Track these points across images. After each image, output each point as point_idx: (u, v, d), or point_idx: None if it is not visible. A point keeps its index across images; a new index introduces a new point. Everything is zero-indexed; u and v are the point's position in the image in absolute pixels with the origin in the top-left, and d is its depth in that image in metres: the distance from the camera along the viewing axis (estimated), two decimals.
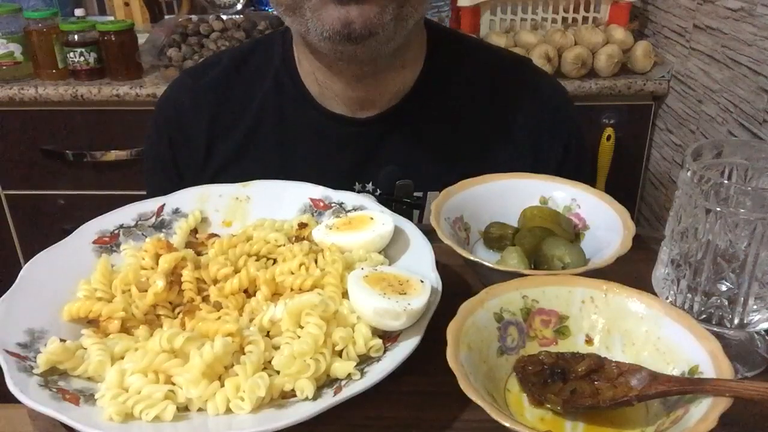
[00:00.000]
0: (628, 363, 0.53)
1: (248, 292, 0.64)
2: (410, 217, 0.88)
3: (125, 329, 0.60)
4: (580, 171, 0.93)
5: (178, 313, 0.62)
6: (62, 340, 0.55)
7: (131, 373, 0.53)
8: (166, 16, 1.92)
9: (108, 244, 0.70)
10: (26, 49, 1.65)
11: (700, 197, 0.54)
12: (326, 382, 0.55)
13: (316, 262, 0.65)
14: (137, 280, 0.63)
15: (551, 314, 0.58)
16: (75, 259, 0.66)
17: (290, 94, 0.89)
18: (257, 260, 0.67)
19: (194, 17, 1.81)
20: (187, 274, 0.63)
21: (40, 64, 1.64)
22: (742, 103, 1.32)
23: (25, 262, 0.64)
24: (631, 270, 0.61)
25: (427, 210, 0.90)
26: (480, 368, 0.52)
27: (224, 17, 1.76)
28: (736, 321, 0.55)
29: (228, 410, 0.52)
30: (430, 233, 0.67)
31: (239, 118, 0.91)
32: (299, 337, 0.55)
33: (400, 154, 0.89)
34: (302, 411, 0.50)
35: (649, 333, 0.54)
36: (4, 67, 1.63)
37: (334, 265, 0.63)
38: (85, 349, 0.56)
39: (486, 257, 0.70)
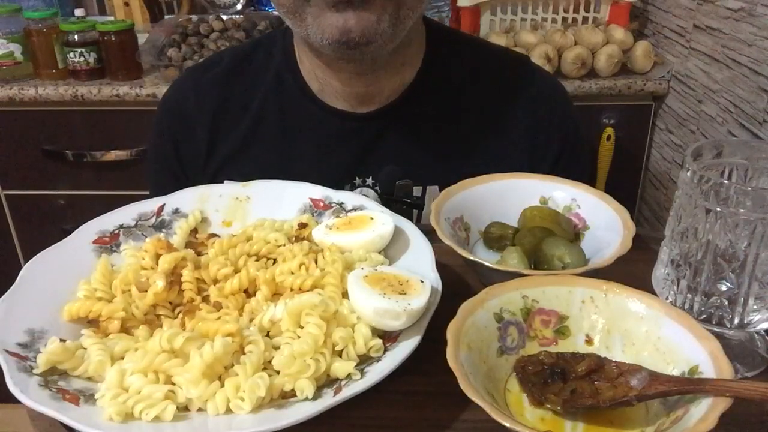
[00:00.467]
0: (628, 363, 0.53)
1: (248, 292, 0.64)
2: (410, 217, 0.88)
3: (125, 329, 0.60)
4: (578, 165, 0.93)
5: (178, 313, 0.62)
6: (62, 340, 0.55)
7: (131, 373, 0.53)
8: (166, 16, 1.92)
9: (108, 244, 0.70)
10: (26, 49, 1.64)
11: (700, 197, 0.54)
12: (326, 382, 0.55)
13: (316, 262, 0.65)
14: (137, 280, 0.63)
15: (551, 314, 0.58)
16: (75, 259, 0.66)
17: (291, 89, 0.90)
18: (257, 260, 0.67)
19: (194, 17, 1.81)
20: (187, 274, 0.63)
21: (40, 64, 1.64)
22: (742, 103, 1.32)
23: (25, 262, 0.64)
24: (631, 270, 0.61)
25: (426, 207, 0.91)
26: (480, 368, 0.52)
27: (224, 17, 1.76)
28: (736, 321, 0.55)
29: (228, 410, 0.52)
30: (430, 233, 0.67)
31: (241, 115, 0.92)
32: (299, 337, 0.55)
33: (400, 149, 0.90)
34: (302, 411, 0.50)
35: (649, 333, 0.54)
36: (4, 67, 1.63)
37: (334, 265, 0.63)
38: (85, 349, 0.56)
39: (486, 257, 0.70)
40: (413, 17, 0.77)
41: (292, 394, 0.53)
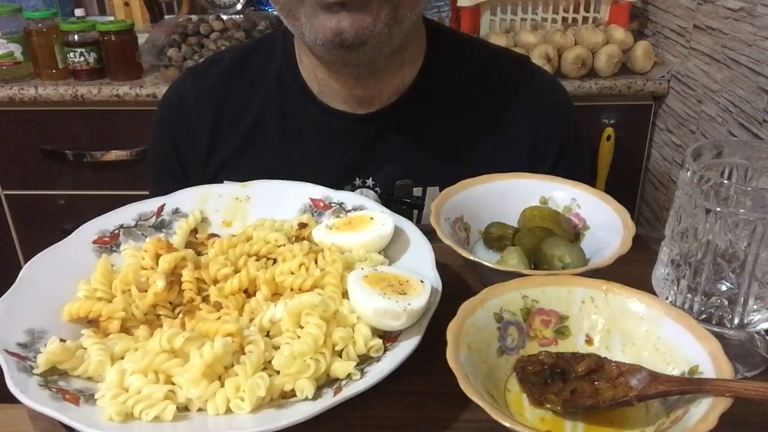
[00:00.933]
0: (628, 363, 0.53)
1: (248, 292, 0.64)
2: (410, 217, 0.88)
3: (125, 329, 0.60)
4: (578, 166, 0.93)
5: (178, 313, 0.62)
6: (62, 340, 0.55)
7: (131, 373, 0.53)
8: (166, 16, 1.92)
9: (108, 244, 0.70)
10: (26, 49, 1.64)
11: (700, 197, 0.54)
12: (326, 382, 0.55)
13: (316, 262, 0.65)
14: (137, 280, 0.63)
15: (551, 314, 0.58)
16: (75, 259, 0.66)
17: (291, 90, 0.90)
18: (257, 260, 0.67)
19: (194, 17, 1.81)
20: (187, 274, 0.63)
21: (40, 64, 1.64)
22: (742, 103, 1.32)
23: (25, 262, 0.64)
24: (631, 270, 0.61)
25: (426, 208, 0.90)
26: (480, 368, 0.52)
27: (224, 17, 1.76)
28: (736, 321, 0.55)
29: (228, 410, 0.52)
30: (430, 233, 0.67)
31: (242, 115, 0.92)
32: (299, 337, 0.55)
33: (400, 150, 0.89)
34: (302, 411, 0.50)
35: (649, 333, 0.54)
36: (4, 67, 1.63)
37: (334, 265, 0.63)
38: (85, 349, 0.56)
39: (486, 257, 0.70)
40: (411, 18, 0.77)
41: (292, 394, 0.53)
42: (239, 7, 1.93)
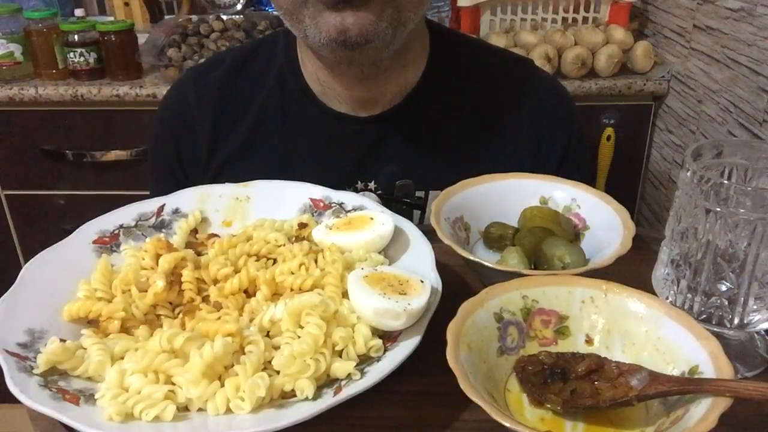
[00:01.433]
0: (628, 363, 0.53)
1: (248, 292, 0.64)
2: (410, 217, 0.88)
3: (125, 329, 0.60)
4: (579, 170, 0.93)
5: (178, 313, 0.62)
6: (62, 340, 0.55)
7: (131, 373, 0.53)
8: (166, 16, 1.92)
9: (108, 244, 0.70)
10: (26, 49, 1.64)
11: (700, 197, 0.54)
12: (326, 382, 0.55)
13: (316, 262, 0.65)
14: (137, 280, 0.63)
15: (551, 314, 0.58)
16: (75, 259, 0.66)
17: (293, 92, 0.90)
18: (257, 260, 0.67)
19: (194, 17, 1.81)
20: (187, 274, 0.63)
21: (40, 64, 1.64)
22: (742, 103, 1.32)
23: (25, 262, 0.64)
24: (631, 270, 0.61)
25: (428, 210, 0.90)
26: (480, 368, 0.52)
27: (224, 17, 1.76)
28: (736, 321, 0.55)
29: (228, 410, 0.52)
30: (430, 233, 0.67)
31: (243, 116, 0.91)
32: (299, 337, 0.55)
33: (402, 153, 0.89)
34: (302, 411, 0.50)
35: (649, 333, 0.54)
36: (4, 67, 1.63)
37: (334, 265, 0.63)
38: (85, 349, 0.56)
39: (486, 257, 0.70)
40: (414, 20, 0.77)
41: (292, 394, 0.53)
42: (239, 7, 1.93)
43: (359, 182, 0.90)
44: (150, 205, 0.74)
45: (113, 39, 1.62)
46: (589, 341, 0.57)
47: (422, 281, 0.59)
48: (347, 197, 0.75)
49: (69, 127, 1.65)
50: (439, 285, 0.61)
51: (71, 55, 1.61)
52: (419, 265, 0.64)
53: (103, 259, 0.66)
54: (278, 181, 0.77)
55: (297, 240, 0.69)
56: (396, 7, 0.73)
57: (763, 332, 0.60)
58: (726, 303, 0.55)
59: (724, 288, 0.55)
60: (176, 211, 0.74)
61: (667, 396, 0.50)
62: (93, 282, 0.63)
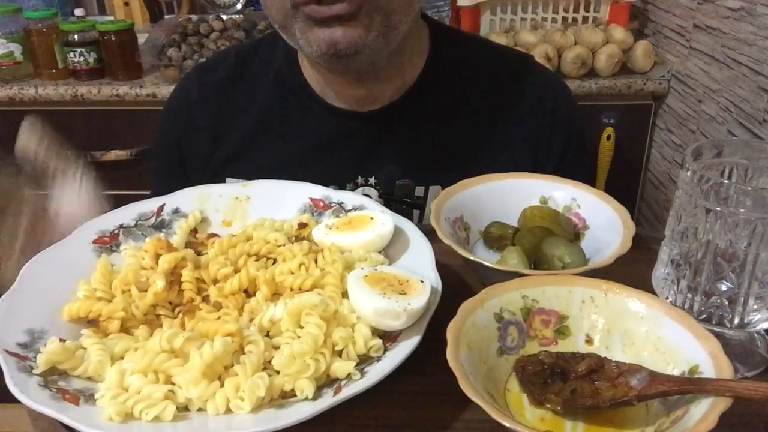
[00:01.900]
0: (628, 363, 0.53)
1: (248, 292, 0.64)
2: (410, 217, 0.88)
3: (125, 329, 0.60)
4: (579, 165, 0.93)
5: (178, 313, 0.62)
6: (62, 340, 0.55)
7: (131, 373, 0.53)
8: (166, 16, 1.92)
9: (108, 244, 0.70)
10: (26, 49, 1.64)
11: (700, 197, 0.54)
12: (326, 382, 0.55)
13: (316, 262, 0.65)
14: (137, 280, 0.63)
15: (551, 314, 0.58)
16: (75, 259, 0.66)
17: (293, 89, 0.91)
18: (257, 260, 0.67)
19: (194, 17, 1.81)
20: (187, 274, 0.63)
21: (40, 64, 1.64)
22: (742, 103, 1.32)
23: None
24: (631, 270, 0.61)
25: (427, 208, 0.90)
26: (480, 368, 0.52)
27: (224, 17, 1.76)
28: (736, 321, 0.55)
29: (228, 410, 0.52)
30: (430, 233, 0.67)
31: (244, 113, 0.92)
32: (299, 337, 0.55)
33: (402, 149, 0.89)
34: (302, 411, 0.50)
35: (649, 333, 0.54)
36: (4, 67, 1.63)
37: (334, 265, 0.63)
38: (85, 349, 0.56)
39: (486, 257, 0.70)
40: (406, 21, 0.77)
41: (292, 394, 0.53)
42: (239, 7, 1.93)
43: (359, 177, 0.90)
44: (150, 205, 0.74)
45: (113, 39, 1.62)
46: (589, 341, 0.57)
47: (422, 281, 0.59)
48: (347, 197, 0.75)
49: (69, 127, 1.65)
50: (439, 285, 0.61)
51: (71, 54, 1.61)
52: (419, 265, 0.64)
53: (103, 259, 0.66)
54: (278, 180, 0.77)
55: (297, 240, 0.69)
56: (384, 14, 0.74)
57: (763, 332, 0.60)
58: (726, 303, 0.55)
59: (724, 288, 0.55)
60: (176, 211, 0.74)
61: (667, 396, 0.50)
62: (93, 282, 0.63)
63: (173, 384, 0.53)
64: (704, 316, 0.56)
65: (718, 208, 0.53)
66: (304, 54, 0.79)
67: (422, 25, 0.90)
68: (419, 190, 0.90)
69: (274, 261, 0.67)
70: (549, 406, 0.52)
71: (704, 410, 0.46)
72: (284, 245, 0.68)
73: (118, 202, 0.74)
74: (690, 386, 0.48)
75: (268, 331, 0.59)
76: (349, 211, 0.73)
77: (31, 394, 0.50)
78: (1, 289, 0.62)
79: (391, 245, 0.69)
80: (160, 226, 0.73)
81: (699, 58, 1.50)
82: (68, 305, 0.60)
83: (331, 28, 0.72)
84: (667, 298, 0.58)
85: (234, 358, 0.55)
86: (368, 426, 0.54)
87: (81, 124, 1.64)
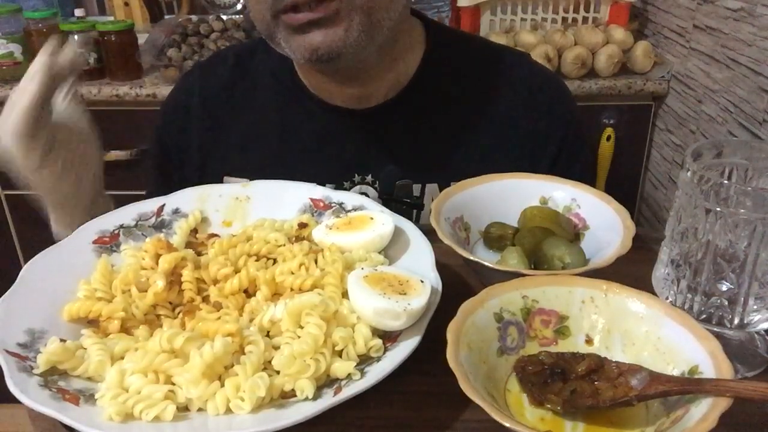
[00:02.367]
0: (628, 363, 0.53)
1: (248, 292, 0.64)
2: (410, 217, 0.88)
3: (125, 329, 0.60)
4: (577, 164, 0.93)
5: (178, 313, 0.62)
6: (62, 340, 0.55)
7: (131, 373, 0.53)
8: (166, 16, 1.92)
9: (108, 244, 0.70)
10: (26, 49, 1.64)
11: (700, 197, 0.54)
12: (326, 382, 0.55)
13: (316, 262, 0.65)
14: (137, 280, 0.63)
15: (551, 314, 0.58)
16: (75, 259, 0.66)
17: (289, 89, 0.91)
18: (257, 260, 0.67)
19: (194, 17, 1.81)
20: (187, 274, 0.63)
21: None
22: (742, 103, 1.32)
23: (25, 262, 0.64)
24: (631, 270, 0.61)
25: (426, 205, 0.91)
26: (480, 368, 0.52)
27: (224, 17, 1.76)
28: (736, 321, 0.55)
29: (228, 410, 0.52)
30: (430, 233, 0.67)
31: (243, 113, 0.93)
32: (299, 337, 0.55)
33: (399, 146, 0.90)
34: (302, 411, 0.50)
35: (649, 333, 0.54)
36: (4, 67, 1.63)
37: (334, 265, 0.63)
38: (85, 349, 0.56)
39: (486, 257, 0.70)
40: (391, 17, 0.78)
41: (292, 394, 0.53)
42: (239, 7, 1.93)
43: (357, 175, 0.90)
44: (150, 205, 0.74)
45: (113, 39, 1.62)
46: (589, 341, 0.57)
47: (422, 281, 0.59)
48: (347, 197, 0.75)
49: None
50: (439, 285, 0.61)
51: None
52: (419, 265, 0.64)
53: (103, 259, 0.66)
54: (278, 181, 0.78)
55: (297, 240, 0.69)
56: (365, 13, 0.74)
57: (763, 332, 0.60)
58: (726, 303, 0.55)
59: (724, 288, 0.55)
60: (176, 211, 0.74)
61: (667, 396, 0.50)
62: (93, 282, 0.63)
63: (173, 384, 0.53)
64: (704, 316, 0.56)
65: (718, 209, 0.53)
66: (294, 60, 0.81)
67: (415, 22, 0.90)
68: (416, 188, 0.90)
69: (274, 261, 0.67)
70: (549, 406, 0.52)
71: (704, 410, 0.46)
72: (284, 245, 0.68)
73: (118, 202, 0.74)
74: (690, 386, 0.48)
75: (268, 331, 0.59)
76: (349, 211, 0.74)
77: (31, 394, 0.50)
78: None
79: (391, 245, 0.69)
80: (160, 226, 0.73)
81: (699, 59, 1.50)
82: (68, 305, 0.60)
83: (310, 33, 0.74)
84: (667, 298, 0.58)
85: (234, 358, 0.55)
86: (368, 426, 0.54)
87: None
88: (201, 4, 1.96)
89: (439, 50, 0.91)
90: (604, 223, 0.71)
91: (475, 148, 0.90)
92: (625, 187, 1.74)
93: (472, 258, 0.63)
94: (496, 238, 0.73)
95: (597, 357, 0.54)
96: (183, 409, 0.53)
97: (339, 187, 0.88)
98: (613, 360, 0.54)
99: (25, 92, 0.68)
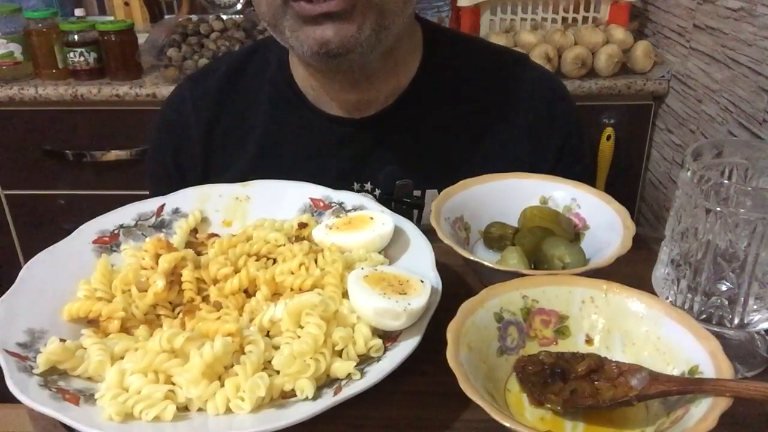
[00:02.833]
0: (628, 363, 0.53)
1: (248, 292, 0.64)
2: (410, 217, 0.88)
3: (125, 329, 0.60)
4: (579, 165, 0.93)
5: (178, 313, 0.62)
6: (62, 340, 0.55)
7: (131, 373, 0.53)
8: (166, 16, 1.92)
9: (108, 244, 0.70)
10: (26, 49, 1.64)
11: (700, 197, 0.54)
12: (326, 382, 0.55)
13: (316, 262, 0.65)
14: (137, 280, 0.63)
15: (551, 314, 0.58)
16: (75, 259, 0.66)
17: (287, 98, 0.90)
18: (257, 260, 0.67)
19: (194, 17, 1.80)
20: (187, 274, 0.63)
21: (40, 64, 1.64)
22: (742, 103, 1.32)
23: (25, 262, 0.64)
24: (631, 270, 0.61)
25: (426, 209, 0.90)
26: (480, 368, 0.52)
27: (224, 17, 1.76)
28: (736, 321, 0.55)
29: (228, 410, 0.52)
30: (430, 233, 0.67)
31: (238, 124, 0.92)
32: (299, 337, 0.55)
33: (398, 153, 0.89)
34: (302, 411, 0.50)
35: (649, 333, 0.54)
36: (4, 67, 1.63)
37: (334, 265, 0.63)
38: (85, 349, 0.56)
39: (486, 257, 0.70)
40: (400, 22, 0.77)
41: (292, 394, 0.53)
42: (239, 7, 1.93)
43: (355, 184, 0.90)
44: (150, 205, 0.74)
45: (113, 39, 1.62)
46: (589, 341, 0.57)
47: (422, 281, 0.59)
48: (347, 197, 0.75)
49: (69, 127, 1.65)
50: (439, 285, 0.61)
51: (71, 54, 1.61)
52: (419, 265, 0.64)
53: (103, 259, 0.66)
54: (278, 180, 0.78)
55: (297, 240, 0.69)
56: (378, 12, 0.73)
57: (763, 332, 0.60)
58: (726, 303, 0.55)
59: (724, 288, 0.55)
60: (176, 211, 0.74)
61: (667, 396, 0.50)
62: (93, 282, 0.63)
63: (173, 384, 0.53)
64: (704, 316, 0.56)
65: (718, 209, 0.53)
66: (295, 53, 0.77)
67: (416, 27, 0.90)
68: (416, 193, 0.90)
69: (274, 261, 0.67)
70: (549, 406, 0.52)
71: (704, 410, 0.46)
72: (284, 245, 0.68)
73: (118, 202, 0.74)
74: (690, 386, 0.48)
75: (268, 331, 0.59)
76: (349, 211, 0.74)
77: (31, 394, 0.50)
78: None
79: (391, 245, 0.69)
80: (160, 226, 0.73)
81: (699, 59, 1.50)
82: (68, 305, 0.60)
83: (322, 26, 0.71)
84: (667, 298, 0.58)
85: (234, 358, 0.55)
86: (368, 426, 0.54)
87: (81, 124, 1.64)
88: (201, 4, 1.95)
89: (436, 54, 0.90)
90: (604, 223, 0.71)
91: (475, 152, 0.90)
92: (625, 187, 1.74)
93: (472, 258, 0.63)
94: (496, 238, 0.73)
95: (597, 357, 0.54)
96: (183, 409, 0.53)
97: None
98: (613, 360, 0.54)
99: None
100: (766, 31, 1.23)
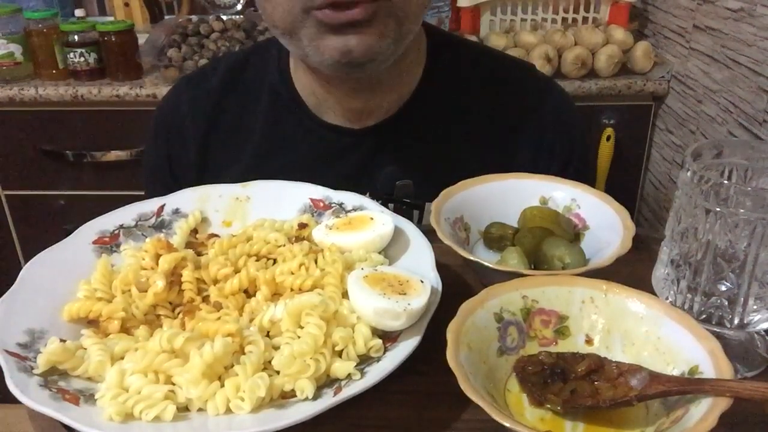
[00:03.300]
0: (628, 363, 0.53)
1: (248, 292, 0.64)
2: (410, 217, 0.88)
3: (125, 329, 0.60)
4: (582, 176, 0.92)
5: (178, 313, 0.62)
6: (62, 340, 0.55)
7: (131, 373, 0.53)
8: (166, 17, 1.92)
9: (108, 244, 0.70)
10: (26, 49, 1.65)
11: (700, 197, 0.54)
12: (326, 382, 0.55)
13: (316, 262, 0.65)
14: (137, 280, 0.63)
15: (551, 314, 0.58)
16: (75, 259, 0.66)
17: (286, 105, 0.89)
18: (257, 260, 0.67)
19: (194, 17, 1.81)
20: (187, 274, 0.63)
21: (40, 64, 1.64)
22: (742, 103, 1.32)
23: (25, 262, 0.64)
24: (631, 270, 0.61)
25: (426, 213, 0.90)
26: (480, 368, 0.52)
27: (224, 17, 1.76)
28: (736, 321, 0.55)
29: (228, 410, 0.52)
30: (430, 233, 0.67)
31: (235, 128, 0.91)
32: (299, 337, 0.55)
33: (398, 164, 0.88)
34: (302, 411, 0.50)
35: (649, 333, 0.54)
36: (4, 68, 1.63)
37: (334, 265, 0.63)
38: (85, 349, 0.56)
39: (486, 257, 0.70)
40: (414, 30, 0.77)
41: (292, 394, 0.53)
42: (239, 7, 1.93)
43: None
44: (150, 205, 0.74)
45: (113, 39, 1.62)
46: (589, 341, 0.57)
47: (422, 281, 0.59)
48: (347, 197, 0.75)
49: (69, 127, 1.65)
50: (439, 285, 0.61)
51: (71, 55, 1.62)
52: (419, 265, 0.64)
53: (103, 259, 0.66)
54: (278, 181, 0.78)
55: (297, 240, 0.69)
56: (397, 21, 0.72)
57: (763, 332, 0.60)
58: (726, 303, 0.55)
59: (724, 288, 0.55)
60: (176, 211, 0.74)
61: (667, 396, 0.50)
62: (93, 282, 0.63)
63: (173, 384, 0.53)
64: (704, 316, 0.56)
65: (718, 209, 0.53)
66: (311, 62, 0.75)
67: (421, 34, 0.88)
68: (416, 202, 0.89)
69: (274, 261, 0.67)
70: (549, 406, 0.52)
71: (704, 410, 0.46)
72: (284, 245, 0.68)
73: (118, 202, 0.74)
74: (690, 386, 0.48)
75: (268, 332, 0.59)
76: (349, 211, 0.74)
77: (31, 394, 0.50)
78: None
79: (391, 245, 0.69)
80: (160, 226, 0.73)
81: (699, 59, 1.50)
82: (68, 305, 0.60)
83: (345, 35, 0.70)
84: (667, 298, 0.58)
85: (234, 358, 0.55)
86: (368, 426, 0.54)
87: (81, 125, 1.64)
88: (201, 4, 1.96)
89: (441, 61, 0.89)
90: (604, 223, 0.71)
91: (476, 162, 0.88)
92: (625, 187, 1.74)
93: (472, 258, 0.63)
94: (496, 238, 0.73)
95: (597, 357, 0.54)
96: (183, 409, 0.53)
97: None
98: (613, 360, 0.54)
99: None
100: (766, 32, 1.23)
